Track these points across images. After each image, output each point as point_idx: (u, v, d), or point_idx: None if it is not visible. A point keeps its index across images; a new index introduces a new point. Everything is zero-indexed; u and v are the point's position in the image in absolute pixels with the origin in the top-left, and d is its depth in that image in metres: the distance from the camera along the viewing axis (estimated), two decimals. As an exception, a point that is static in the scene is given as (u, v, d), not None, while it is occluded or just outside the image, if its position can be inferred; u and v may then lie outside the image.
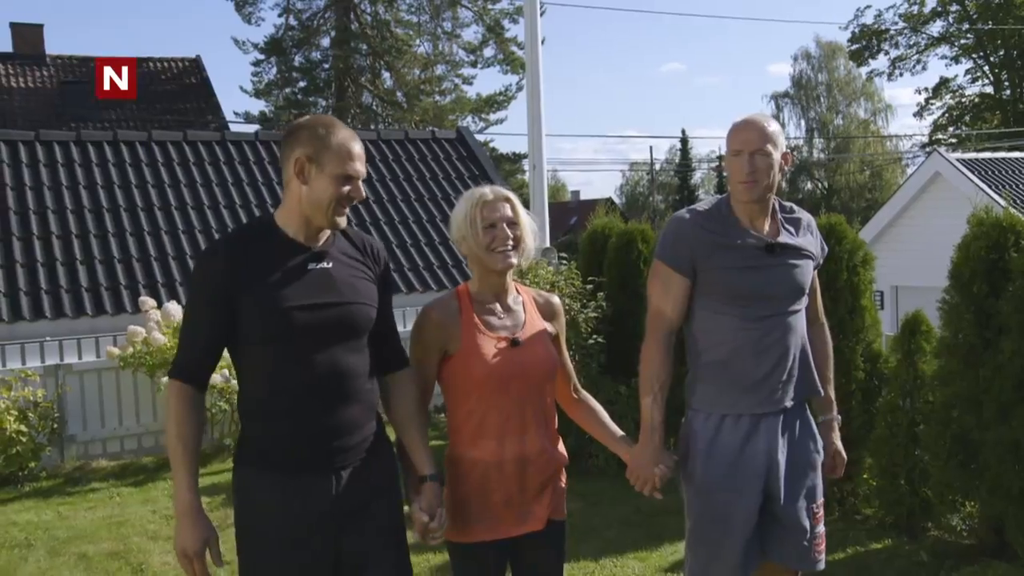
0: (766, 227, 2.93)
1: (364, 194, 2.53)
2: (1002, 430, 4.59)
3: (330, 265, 2.51)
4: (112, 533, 6.06)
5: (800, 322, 2.96)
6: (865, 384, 5.61)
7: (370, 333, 2.59)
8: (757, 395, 2.87)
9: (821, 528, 3.01)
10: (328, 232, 2.56)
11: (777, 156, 2.86)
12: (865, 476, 5.63)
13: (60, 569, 5.39)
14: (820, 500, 3.02)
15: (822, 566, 3.03)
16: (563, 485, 2.87)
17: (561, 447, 2.87)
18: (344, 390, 2.49)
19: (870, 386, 5.62)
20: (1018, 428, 4.50)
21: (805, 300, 2.99)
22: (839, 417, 3.15)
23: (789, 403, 2.92)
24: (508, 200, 2.78)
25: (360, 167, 2.49)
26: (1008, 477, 4.57)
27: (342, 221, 2.51)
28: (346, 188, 2.46)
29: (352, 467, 2.51)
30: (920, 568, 4.84)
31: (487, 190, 2.80)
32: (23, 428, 7.26)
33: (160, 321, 8.02)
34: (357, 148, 2.49)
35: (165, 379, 8.43)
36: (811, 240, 3.02)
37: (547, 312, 2.90)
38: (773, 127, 2.88)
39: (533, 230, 2.82)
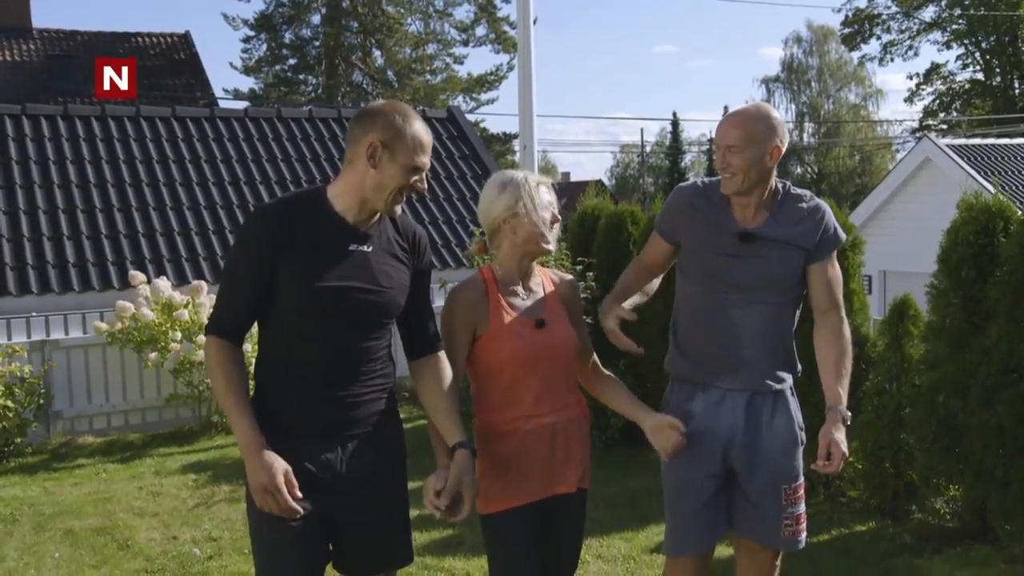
0: (753, 215, 2.93)
1: (425, 187, 2.57)
2: (987, 415, 4.62)
3: (370, 249, 2.55)
4: (98, 509, 6.05)
5: (774, 313, 2.95)
6: (852, 368, 5.62)
7: (403, 319, 2.68)
8: (715, 370, 2.97)
9: (797, 509, 3.02)
10: (377, 216, 2.60)
11: (757, 152, 2.83)
12: (851, 459, 5.66)
13: (46, 544, 5.38)
14: (797, 482, 3.02)
15: (799, 546, 3.06)
16: (588, 455, 2.89)
17: (585, 412, 2.91)
18: (356, 369, 2.55)
19: (857, 370, 5.62)
20: (1003, 413, 4.53)
21: (789, 292, 2.97)
22: (847, 413, 2.93)
23: (755, 387, 2.96)
24: (549, 185, 2.82)
25: (427, 160, 2.54)
26: (992, 461, 4.60)
27: (399, 209, 2.57)
28: (413, 178, 2.51)
29: (356, 440, 2.56)
30: (903, 550, 4.89)
31: (532, 174, 2.80)
32: (9, 404, 7.23)
33: (149, 297, 7.99)
34: (428, 141, 2.54)
35: (176, 345, 8.19)
36: (803, 231, 2.94)
37: (565, 292, 2.92)
38: (758, 123, 2.84)
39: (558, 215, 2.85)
